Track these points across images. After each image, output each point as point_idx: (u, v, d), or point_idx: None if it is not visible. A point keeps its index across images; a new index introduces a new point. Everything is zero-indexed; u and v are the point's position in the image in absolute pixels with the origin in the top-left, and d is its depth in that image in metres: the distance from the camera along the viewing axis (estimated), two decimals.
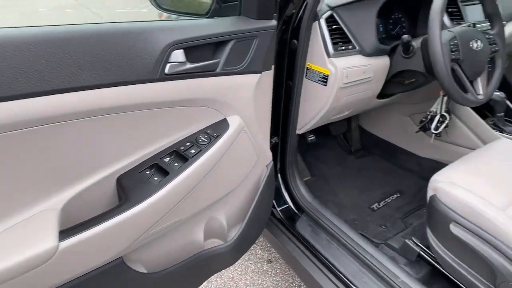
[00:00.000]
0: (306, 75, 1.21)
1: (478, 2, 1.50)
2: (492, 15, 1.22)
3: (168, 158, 0.84)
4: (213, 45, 0.86)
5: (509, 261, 0.93)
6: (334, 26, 1.14)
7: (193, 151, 0.85)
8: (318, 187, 1.72)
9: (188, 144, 0.86)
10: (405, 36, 1.16)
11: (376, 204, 1.62)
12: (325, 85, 1.16)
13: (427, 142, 1.59)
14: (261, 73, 0.95)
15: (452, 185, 1.08)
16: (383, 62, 1.24)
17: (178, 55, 0.77)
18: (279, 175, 1.39)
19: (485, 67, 1.16)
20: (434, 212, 1.10)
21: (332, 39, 1.12)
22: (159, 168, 0.83)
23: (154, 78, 0.74)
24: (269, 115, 1.10)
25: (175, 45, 0.76)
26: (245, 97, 0.94)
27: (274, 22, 0.95)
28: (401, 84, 1.30)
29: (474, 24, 1.39)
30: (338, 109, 1.28)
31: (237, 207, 1.08)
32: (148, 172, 0.81)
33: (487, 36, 1.16)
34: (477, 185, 1.09)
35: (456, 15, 1.42)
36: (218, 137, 0.89)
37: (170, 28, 0.79)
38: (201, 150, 0.86)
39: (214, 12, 1.02)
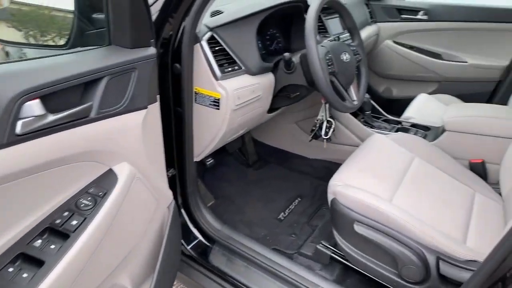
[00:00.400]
0: (195, 100, 1.15)
1: (336, 16, 1.69)
2: (352, 29, 1.38)
3: (40, 240, 0.65)
4: (82, 86, 0.72)
5: (404, 246, 1.06)
6: (217, 48, 1.11)
7: (74, 222, 0.68)
8: (224, 209, 1.68)
9: (66, 214, 0.69)
10: (286, 54, 1.21)
11: (282, 213, 1.67)
12: (218, 109, 1.12)
13: (315, 144, 1.72)
14: (146, 108, 0.85)
15: (347, 187, 1.17)
16: (269, 79, 1.28)
17: (33, 108, 0.60)
18: (182, 210, 1.30)
19: (355, 76, 1.30)
20: (337, 215, 1.18)
21: (217, 61, 1.10)
22: (28, 258, 0.63)
23: (1, 143, 0.57)
24: (162, 150, 1.01)
25: (25, 96, 0.60)
26: (131, 139, 0.83)
27: (153, 50, 0.86)
28: (287, 98, 1.36)
29: (338, 37, 1.56)
30: (234, 130, 1.26)
31: (142, 263, 0.95)
32: (11, 269, 0.61)
33: (351, 48, 1.31)
34: (367, 182, 1.22)
35: (322, 29, 1.57)
36: (105, 195, 0.74)
37: (15, 73, 0.62)
38: (85, 219, 0.70)
39: (75, 42, 0.86)
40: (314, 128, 1.57)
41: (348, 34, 1.69)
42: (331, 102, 1.15)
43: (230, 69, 1.12)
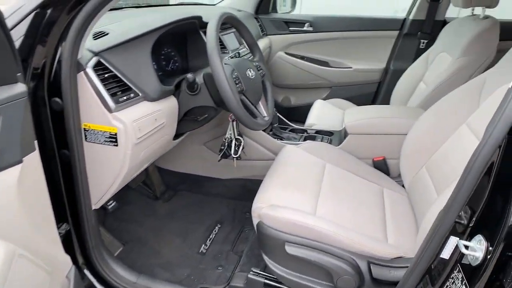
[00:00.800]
0: (86, 139, 0.98)
1: (231, 31, 1.68)
2: (252, 45, 1.38)
3: None
4: None
5: (336, 258, 1.07)
6: (106, 75, 0.96)
7: None
8: (136, 255, 1.49)
9: None
10: (190, 76, 1.13)
11: (203, 245, 1.57)
12: (116, 145, 0.97)
13: (227, 164, 1.67)
14: (21, 162, 0.67)
15: (272, 208, 1.14)
16: (171, 103, 1.17)
17: None
18: (86, 271, 1.09)
19: (262, 91, 1.30)
20: (266, 238, 1.14)
21: (108, 90, 0.95)
22: None
23: None
24: (49, 209, 0.82)
25: None
26: (3, 208, 0.64)
27: (21, 87, 0.68)
28: (195, 121, 1.28)
29: (239, 53, 1.54)
30: (138, 166, 1.12)
31: None
32: None
33: (254, 63, 1.30)
34: (289, 198, 1.21)
35: (220, 46, 1.53)
36: None
37: None
38: None
39: None
40: (222, 147, 1.51)
41: (245, 48, 1.70)
42: (244, 121, 1.10)
43: (125, 97, 0.99)
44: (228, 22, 1.25)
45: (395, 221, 1.24)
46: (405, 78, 2.16)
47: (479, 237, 0.69)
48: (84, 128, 0.97)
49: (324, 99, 2.53)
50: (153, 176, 1.82)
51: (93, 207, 1.08)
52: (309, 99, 2.65)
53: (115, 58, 0.99)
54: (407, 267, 1.02)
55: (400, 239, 1.16)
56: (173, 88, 1.17)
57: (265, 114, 1.29)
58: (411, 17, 2.28)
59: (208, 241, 1.59)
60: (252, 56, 1.42)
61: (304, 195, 1.24)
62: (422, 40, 2.28)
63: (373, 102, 2.57)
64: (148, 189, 1.83)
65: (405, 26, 2.31)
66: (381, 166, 1.60)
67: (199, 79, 1.17)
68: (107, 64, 0.97)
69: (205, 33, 1.43)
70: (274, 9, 2.58)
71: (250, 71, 1.21)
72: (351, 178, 1.44)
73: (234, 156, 1.48)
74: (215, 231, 1.65)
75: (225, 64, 1.11)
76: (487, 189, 0.68)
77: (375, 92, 2.54)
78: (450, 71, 1.63)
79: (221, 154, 1.51)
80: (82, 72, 0.91)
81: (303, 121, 2.39)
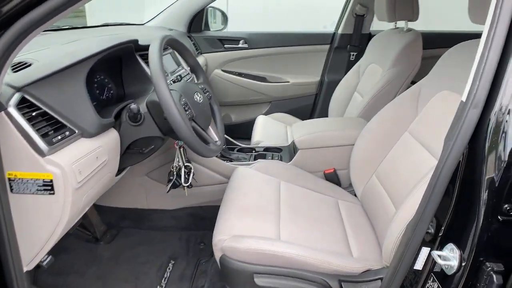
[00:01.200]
0: (11, 190, 0.84)
1: (167, 52, 1.61)
2: (195, 67, 1.33)
3: None
4: None
5: (308, 282, 1.06)
6: (34, 113, 0.84)
7: None
8: None
9: None
10: (134, 106, 1.04)
11: (158, 287, 1.44)
12: (53, 193, 0.85)
13: (175, 193, 1.58)
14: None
15: (235, 239, 1.09)
16: (113, 137, 1.07)
17: None
18: None
19: (211, 115, 1.25)
20: (232, 272, 1.08)
21: (38, 130, 0.83)
22: None
23: None
24: None
25: None
26: None
27: None
28: (140, 154, 1.18)
29: (180, 76, 1.48)
30: (80, 212, 0.99)
31: None
32: None
33: (199, 86, 1.25)
34: (251, 225, 1.17)
35: None
36: None
37: None
38: None
39: None
40: (171, 177, 1.43)
41: (184, 70, 1.64)
42: (197, 150, 1.04)
43: (59, 137, 0.87)
44: (170, 45, 1.19)
45: (355, 233, 1.26)
46: (340, 90, 2.28)
47: (450, 246, 0.71)
48: (9, 178, 0.83)
49: (265, 114, 2.56)
50: (91, 216, 1.64)
51: (25, 269, 0.93)
52: (250, 115, 2.66)
53: (43, 92, 0.86)
54: (377, 279, 1.04)
55: (363, 251, 1.18)
56: (113, 120, 1.07)
57: (217, 139, 1.24)
58: (339, 31, 2.42)
59: (163, 281, 1.47)
60: (194, 78, 1.37)
61: (265, 220, 1.21)
62: (351, 53, 2.43)
63: (311, 113, 2.66)
64: (87, 232, 1.65)
65: (335, 40, 2.45)
66: (332, 177, 1.64)
67: (142, 107, 1.09)
68: (33, 101, 0.84)
69: (141, 56, 1.36)
70: (207, 27, 2.56)
71: (198, 95, 1.16)
72: (307, 194, 1.45)
73: (185, 184, 1.40)
74: (169, 268, 1.53)
75: (172, 90, 1.05)
76: (452, 198, 0.72)
77: (313, 104, 2.64)
78: (383, 81, 1.75)
79: (170, 184, 1.42)
80: (2, 113, 0.78)
81: (246, 138, 2.38)
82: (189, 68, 1.77)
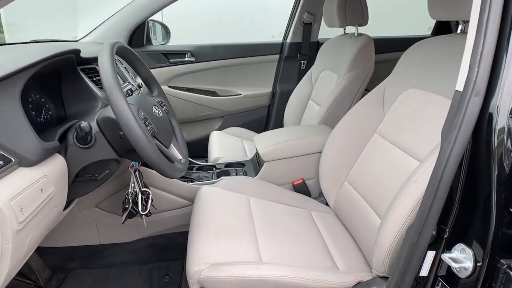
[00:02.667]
0: None
1: None
2: (148, 79, 1.20)
3: None
4: None
5: None
6: None
7: None
8: None
9: None
10: (85, 125, 0.88)
11: None
12: None
13: (130, 223, 1.41)
14: None
15: (214, 268, 0.97)
16: (58, 164, 0.90)
17: None
18: None
19: (172, 131, 1.12)
20: None
21: None
22: None
23: None
24: None
25: None
26: None
27: None
28: (92, 181, 1.01)
29: (131, 90, 1.33)
30: (23, 258, 0.81)
31: None
32: None
33: (156, 100, 1.12)
34: (228, 250, 1.06)
35: (101, 83, 1.29)
36: None
37: None
38: None
39: None
40: (126, 206, 1.26)
41: (131, 85, 1.49)
42: (163, 171, 0.91)
43: None
44: (120, 53, 1.05)
45: (335, 244, 1.21)
46: (294, 99, 2.26)
47: (460, 246, 0.67)
48: None
49: (218, 129, 2.46)
50: (31, 261, 1.40)
51: None
52: (202, 131, 2.54)
53: None
54: None
55: (348, 263, 1.13)
56: (57, 143, 0.90)
57: (180, 157, 1.12)
58: (288, 40, 2.43)
59: None
60: (146, 93, 1.24)
61: (242, 242, 1.11)
62: (302, 61, 2.44)
63: (266, 125, 2.62)
64: (27, 281, 1.40)
65: (284, 49, 2.45)
66: (302, 188, 1.58)
67: (93, 127, 0.94)
68: None
69: (83, 70, 1.19)
70: (149, 41, 2.41)
71: (156, 109, 1.03)
72: (279, 208, 1.37)
73: (143, 213, 1.24)
74: None
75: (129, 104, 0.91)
76: (456, 195, 0.68)
77: (267, 115, 2.60)
78: (340, 87, 1.75)
79: (125, 214, 1.25)
80: None
81: (201, 156, 2.26)
82: (137, 82, 1.63)
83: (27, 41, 1.94)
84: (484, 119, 0.61)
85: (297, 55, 2.43)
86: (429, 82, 1.09)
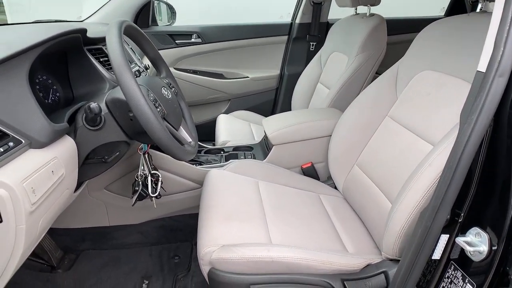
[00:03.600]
0: None
1: None
2: (156, 60, 1.18)
3: None
4: None
5: (309, 286, 0.97)
6: None
7: None
8: None
9: None
10: (94, 106, 0.87)
11: None
12: (0, 221, 0.67)
13: (140, 206, 1.43)
14: None
15: (224, 249, 0.98)
16: (68, 145, 0.90)
17: None
18: None
19: (181, 113, 1.12)
20: (223, 287, 0.97)
21: None
22: None
23: None
24: None
25: None
26: None
27: None
28: (103, 163, 1.02)
29: (139, 72, 1.32)
30: (36, 239, 0.82)
31: None
32: None
33: (164, 81, 1.11)
34: (239, 231, 1.07)
35: (108, 64, 1.28)
36: None
37: None
38: None
39: None
40: (136, 188, 1.27)
41: (138, 67, 1.48)
42: (174, 153, 0.91)
43: (1, 149, 0.69)
44: (128, 33, 1.04)
45: (344, 227, 1.21)
46: (302, 82, 2.23)
47: (476, 230, 0.67)
48: None
49: (225, 112, 2.45)
50: (44, 242, 1.42)
51: None
52: (209, 115, 2.53)
53: None
54: (380, 273, 0.99)
55: (357, 245, 1.13)
56: (67, 125, 0.90)
57: (190, 139, 1.11)
58: (297, 21, 2.38)
59: None
60: (158, 73, 1.23)
61: (252, 224, 1.11)
62: (311, 43, 2.39)
63: (273, 109, 2.60)
64: (40, 261, 1.42)
65: (293, 30, 2.40)
66: (310, 172, 1.58)
67: (103, 108, 0.93)
68: None
69: (90, 51, 1.18)
70: (155, 22, 2.38)
71: (165, 90, 1.02)
72: (287, 191, 1.37)
73: (153, 195, 1.25)
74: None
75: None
76: (473, 179, 0.67)
77: (274, 99, 2.57)
78: (351, 69, 1.72)
79: (135, 196, 1.26)
80: None
81: (208, 140, 2.25)
82: (144, 64, 1.61)
83: (31, 21, 1.92)
84: (508, 101, 0.59)
85: (306, 36, 2.38)
86: (445, 64, 1.06)
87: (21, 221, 0.69)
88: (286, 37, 2.42)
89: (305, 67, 2.25)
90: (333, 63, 1.99)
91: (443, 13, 2.77)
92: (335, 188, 1.46)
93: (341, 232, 1.19)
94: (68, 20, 2.12)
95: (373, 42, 1.69)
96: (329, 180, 1.56)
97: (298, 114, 1.73)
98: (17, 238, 0.70)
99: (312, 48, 2.39)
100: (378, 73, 1.45)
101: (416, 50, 1.22)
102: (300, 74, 2.26)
